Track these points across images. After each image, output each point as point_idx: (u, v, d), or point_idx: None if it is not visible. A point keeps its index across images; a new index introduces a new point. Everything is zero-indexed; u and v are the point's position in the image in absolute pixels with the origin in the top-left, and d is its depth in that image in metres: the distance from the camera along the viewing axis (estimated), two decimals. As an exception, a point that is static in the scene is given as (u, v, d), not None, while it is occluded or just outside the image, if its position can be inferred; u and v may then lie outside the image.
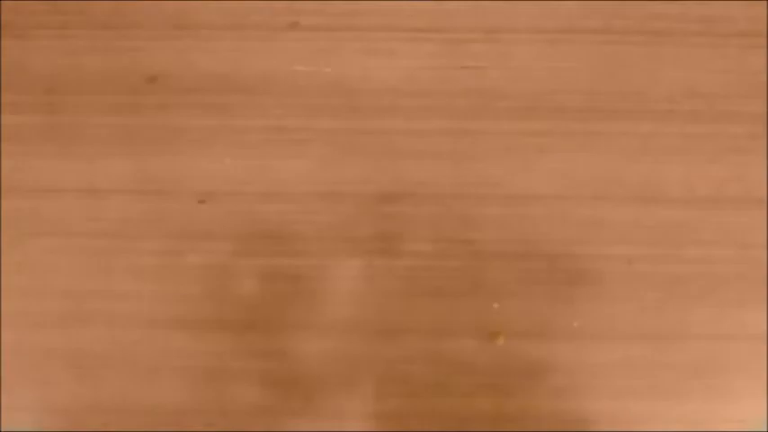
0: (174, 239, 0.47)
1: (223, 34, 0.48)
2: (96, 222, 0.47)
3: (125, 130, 0.48)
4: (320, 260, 0.47)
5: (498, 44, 0.48)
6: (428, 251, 0.47)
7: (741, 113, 0.47)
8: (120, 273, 0.47)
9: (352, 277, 0.47)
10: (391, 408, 0.46)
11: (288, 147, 0.48)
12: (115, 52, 0.48)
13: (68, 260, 0.47)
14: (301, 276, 0.47)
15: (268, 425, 0.46)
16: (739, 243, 0.47)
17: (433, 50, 0.48)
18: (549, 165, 0.47)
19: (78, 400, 0.46)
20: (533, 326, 0.47)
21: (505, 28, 0.48)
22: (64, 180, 0.48)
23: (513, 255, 0.47)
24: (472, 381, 0.46)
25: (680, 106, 0.48)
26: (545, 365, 0.46)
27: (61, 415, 0.46)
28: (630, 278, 0.47)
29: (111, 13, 0.49)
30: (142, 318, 0.47)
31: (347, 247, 0.47)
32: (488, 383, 0.46)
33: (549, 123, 0.48)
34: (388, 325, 0.47)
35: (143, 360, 0.47)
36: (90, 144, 0.48)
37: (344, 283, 0.47)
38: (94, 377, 0.47)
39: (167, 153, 0.48)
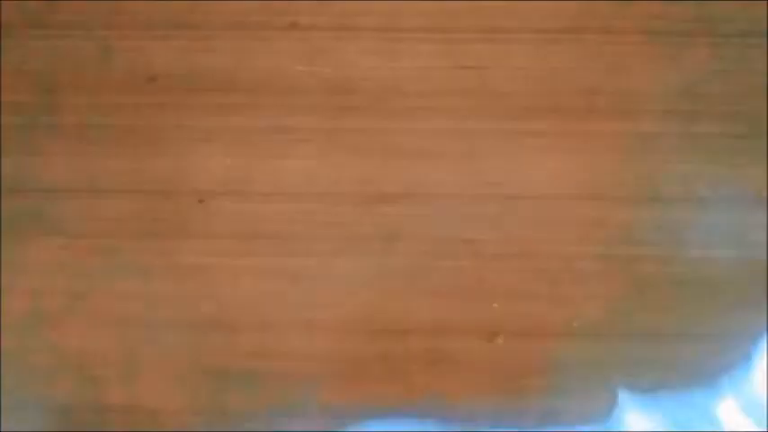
0: (174, 239, 0.47)
1: (223, 34, 0.48)
2: (96, 222, 0.47)
3: (125, 130, 0.48)
4: (320, 260, 0.47)
5: (498, 44, 0.48)
6: (428, 251, 0.47)
7: (741, 113, 0.47)
8: (121, 273, 0.47)
9: (353, 277, 0.47)
10: (391, 407, 0.46)
11: (288, 147, 0.48)
12: (115, 52, 0.48)
13: (68, 260, 0.47)
14: (301, 276, 0.47)
15: (268, 425, 0.46)
16: (739, 243, 0.47)
17: (433, 50, 0.48)
18: (549, 165, 0.47)
19: (78, 400, 0.47)
20: (533, 325, 0.47)
21: (505, 28, 0.48)
22: (64, 180, 0.48)
23: (513, 255, 0.47)
24: (472, 380, 0.46)
25: (680, 106, 0.48)
26: (544, 365, 0.46)
27: (61, 415, 0.46)
28: (630, 278, 0.47)
29: (112, 13, 0.49)
30: (142, 318, 0.47)
31: (347, 247, 0.47)
32: (488, 383, 0.46)
33: (549, 123, 0.48)
34: (389, 325, 0.47)
35: (143, 360, 0.47)
36: (90, 144, 0.48)
37: (344, 283, 0.47)
38: (95, 377, 0.47)
39: (167, 153, 0.48)
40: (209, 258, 0.47)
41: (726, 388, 0.44)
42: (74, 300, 0.47)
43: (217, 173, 0.48)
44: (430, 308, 0.47)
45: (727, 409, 0.44)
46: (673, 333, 0.46)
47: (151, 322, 0.47)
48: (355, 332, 0.47)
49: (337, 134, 0.48)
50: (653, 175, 0.47)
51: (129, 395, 0.47)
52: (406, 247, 0.47)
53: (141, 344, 0.47)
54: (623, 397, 0.44)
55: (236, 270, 0.47)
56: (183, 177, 0.48)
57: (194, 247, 0.47)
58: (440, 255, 0.47)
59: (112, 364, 0.47)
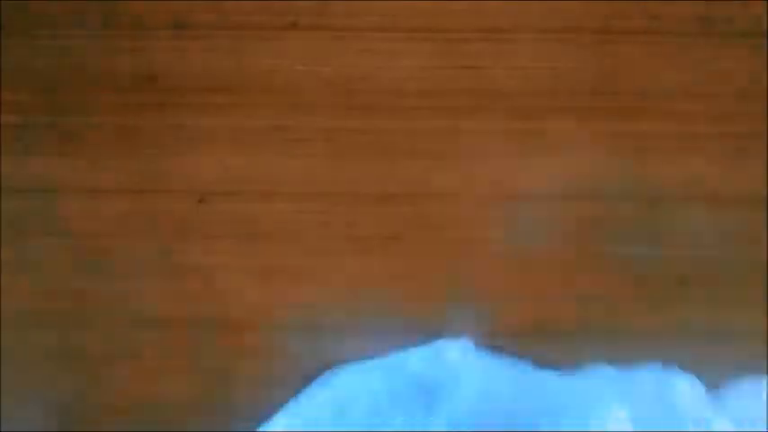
0: (174, 239, 0.47)
1: (223, 34, 0.48)
2: (96, 222, 0.47)
3: (125, 130, 0.48)
4: (320, 259, 0.47)
5: (498, 44, 0.48)
6: (428, 251, 0.47)
7: (741, 113, 0.47)
8: (121, 272, 0.47)
9: (352, 277, 0.47)
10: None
11: (288, 146, 0.48)
12: (115, 52, 0.48)
13: (68, 260, 0.47)
14: (301, 276, 0.47)
15: (268, 425, 0.46)
16: (739, 243, 0.47)
17: (432, 50, 0.48)
18: (549, 165, 0.47)
19: (78, 400, 0.46)
20: (533, 325, 0.47)
21: (505, 28, 0.48)
22: (64, 180, 0.48)
23: (512, 254, 0.47)
24: (472, 381, 0.46)
25: (680, 106, 0.47)
26: (544, 364, 0.46)
27: (61, 415, 0.46)
28: (630, 278, 0.47)
29: (111, 13, 0.49)
30: (142, 317, 0.47)
31: (347, 247, 0.47)
32: (488, 383, 0.46)
33: (549, 123, 0.47)
34: (389, 324, 0.47)
35: (143, 360, 0.47)
36: (90, 144, 0.48)
37: (344, 283, 0.47)
38: (94, 377, 0.47)
39: (167, 153, 0.48)
40: (210, 258, 0.47)
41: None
42: (74, 299, 0.47)
43: (217, 173, 0.48)
44: (430, 308, 0.47)
45: None
46: (673, 333, 0.46)
47: (151, 322, 0.47)
48: (354, 332, 0.47)
49: (337, 134, 0.48)
50: (653, 175, 0.47)
51: (129, 395, 0.47)
52: (406, 247, 0.47)
53: (141, 343, 0.47)
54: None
55: (236, 270, 0.47)
56: (183, 177, 0.48)
57: (194, 247, 0.47)
58: (440, 255, 0.47)
59: (112, 363, 0.47)
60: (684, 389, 0.44)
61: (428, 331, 0.47)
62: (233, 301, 0.47)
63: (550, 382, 0.44)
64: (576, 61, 0.48)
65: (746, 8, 0.47)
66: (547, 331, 0.47)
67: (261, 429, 0.45)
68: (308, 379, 0.47)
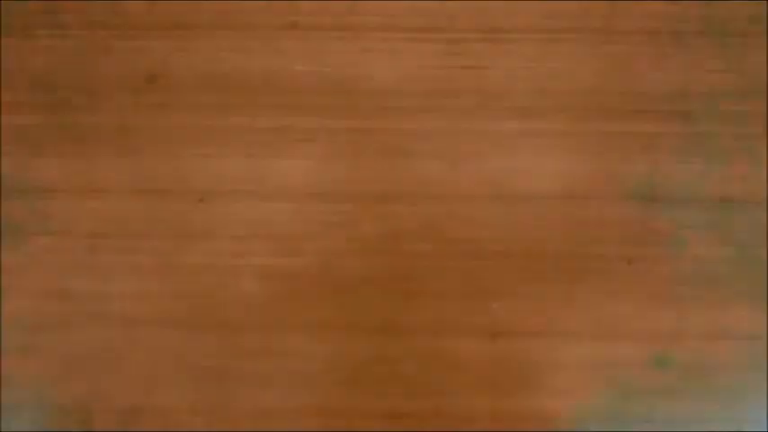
0: (174, 239, 0.47)
1: (223, 34, 0.48)
2: (96, 222, 0.47)
3: (125, 130, 0.48)
4: (320, 260, 0.47)
5: (498, 44, 0.48)
6: (428, 251, 0.47)
7: (741, 113, 0.47)
8: (121, 273, 0.47)
9: (352, 277, 0.47)
10: (391, 407, 0.46)
11: (288, 147, 0.48)
12: (115, 52, 0.48)
13: (68, 260, 0.47)
14: (301, 276, 0.47)
15: (268, 425, 0.46)
16: (739, 243, 0.47)
17: (433, 50, 0.48)
18: (549, 165, 0.47)
19: (78, 400, 0.47)
20: (533, 325, 0.47)
21: (505, 28, 0.48)
22: (64, 180, 0.48)
23: (513, 255, 0.47)
24: (472, 381, 0.46)
25: (680, 106, 0.48)
26: (544, 365, 0.46)
27: (61, 415, 0.46)
28: (630, 278, 0.47)
29: (111, 13, 0.49)
30: (142, 318, 0.47)
31: (347, 247, 0.47)
32: (488, 383, 0.46)
33: (549, 123, 0.48)
34: (389, 325, 0.47)
35: (143, 360, 0.47)
36: (90, 144, 0.48)
37: (344, 283, 0.47)
38: (94, 377, 0.47)
39: (167, 153, 0.48)
40: (209, 258, 0.47)
41: None
42: (73, 300, 0.47)
43: (217, 173, 0.48)
44: (430, 308, 0.47)
45: None
46: (672, 333, 0.46)
47: (151, 322, 0.47)
48: (355, 332, 0.47)
49: (337, 134, 0.48)
50: (653, 175, 0.47)
51: (128, 395, 0.47)
52: (406, 247, 0.47)
53: (141, 344, 0.47)
54: None
55: (236, 270, 0.47)
56: (183, 177, 0.48)
57: (194, 247, 0.47)
58: (440, 255, 0.47)
59: (112, 364, 0.47)
60: None
61: (429, 331, 0.47)
62: (233, 301, 0.47)
63: None
64: (576, 61, 0.48)
65: (746, 8, 0.48)
66: (547, 331, 0.47)
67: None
68: (308, 379, 0.47)
